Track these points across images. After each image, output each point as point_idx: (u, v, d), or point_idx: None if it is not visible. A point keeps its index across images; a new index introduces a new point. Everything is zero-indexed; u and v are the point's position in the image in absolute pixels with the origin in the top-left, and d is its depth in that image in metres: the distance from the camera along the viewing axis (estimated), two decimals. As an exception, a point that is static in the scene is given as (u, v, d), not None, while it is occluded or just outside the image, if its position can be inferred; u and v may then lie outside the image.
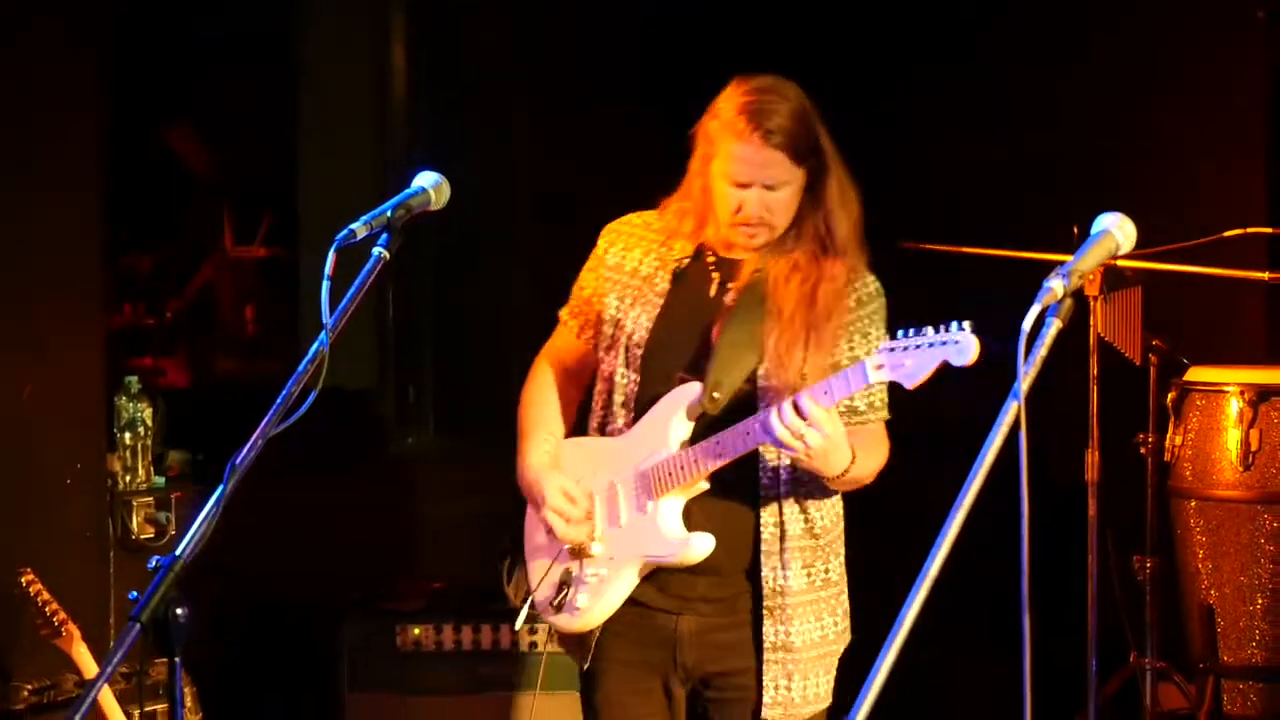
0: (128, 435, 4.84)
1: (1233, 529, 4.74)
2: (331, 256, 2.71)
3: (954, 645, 4.96)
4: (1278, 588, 4.70)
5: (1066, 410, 4.59)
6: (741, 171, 3.30)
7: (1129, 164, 5.36)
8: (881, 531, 4.57)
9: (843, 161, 3.39)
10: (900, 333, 3.12)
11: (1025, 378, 2.37)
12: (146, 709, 4.45)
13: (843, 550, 3.47)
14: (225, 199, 6.97)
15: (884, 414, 3.42)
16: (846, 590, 3.48)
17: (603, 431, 3.47)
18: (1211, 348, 5.00)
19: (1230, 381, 4.78)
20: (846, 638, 3.47)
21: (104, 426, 4.81)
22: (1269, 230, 4.89)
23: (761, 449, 3.31)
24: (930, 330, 3.07)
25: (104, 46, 4.78)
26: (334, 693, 5.02)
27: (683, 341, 3.39)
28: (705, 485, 3.34)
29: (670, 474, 3.33)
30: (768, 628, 3.36)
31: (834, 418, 3.19)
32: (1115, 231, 2.54)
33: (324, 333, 2.67)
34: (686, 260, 3.44)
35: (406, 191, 2.89)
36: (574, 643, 3.49)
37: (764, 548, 3.36)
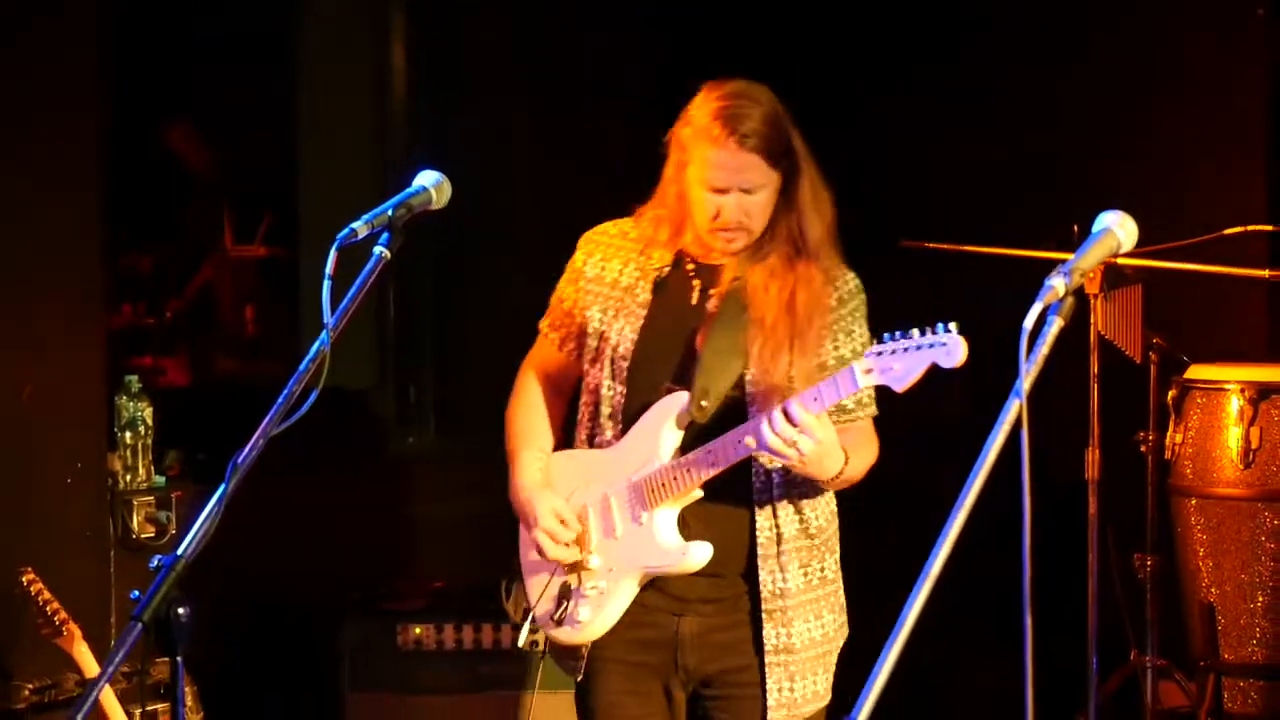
0: (128, 434, 4.84)
1: (1233, 527, 4.74)
2: (333, 256, 2.70)
3: (955, 643, 4.96)
4: (1278, 585, 4.70)
5: (1067, 408, 4.58)
6: (718, 177, 3.30)
7: (1129, 163, 5.36)
8: (883, 531, 4.58)
9: (815, 163, 3.39)
10: (887, 336, 3.12)
11: (1027, 376, 2.37)
12: (147, 708, 4.45)
13: (838, 547, 3.48)
14: (225, 199, 6.96)
15: (872, 410, 3.42)
16: (842, 587, 3.49)
17: (591, 443, 3.47)
18: (1212, 345, 5.00)
19: (1231, 379, 4.78)
20: (844, 633, 3.48)
21: (104, 426, 4.80)
22: (1269, 228, 4.89)
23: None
24: (916, 332, 3.07)
25: (104, 46, 4.78)
26: (335, 692, 5.02)
27: (667, 351, 3.40)
28: (699, 494, 3.34)
29: (664, 484, 3.33)
30: (768, 630, 3.37)
31: (825, 423, 3.20)
32: (1117, 229, 2.54)
33: (325, 332, 2.67)
34: (666, 269, 3.44)
35: (408, 191, 2.89)
36: (567, 655, 3.49)
37: (761, 551, 3.36)
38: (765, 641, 3.37)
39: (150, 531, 4.78)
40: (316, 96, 6.38)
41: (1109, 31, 5.57)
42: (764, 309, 3.33)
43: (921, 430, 5.05)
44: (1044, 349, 2.40)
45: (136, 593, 2.50)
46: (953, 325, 3.04)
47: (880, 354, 3.11)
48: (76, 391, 4.69)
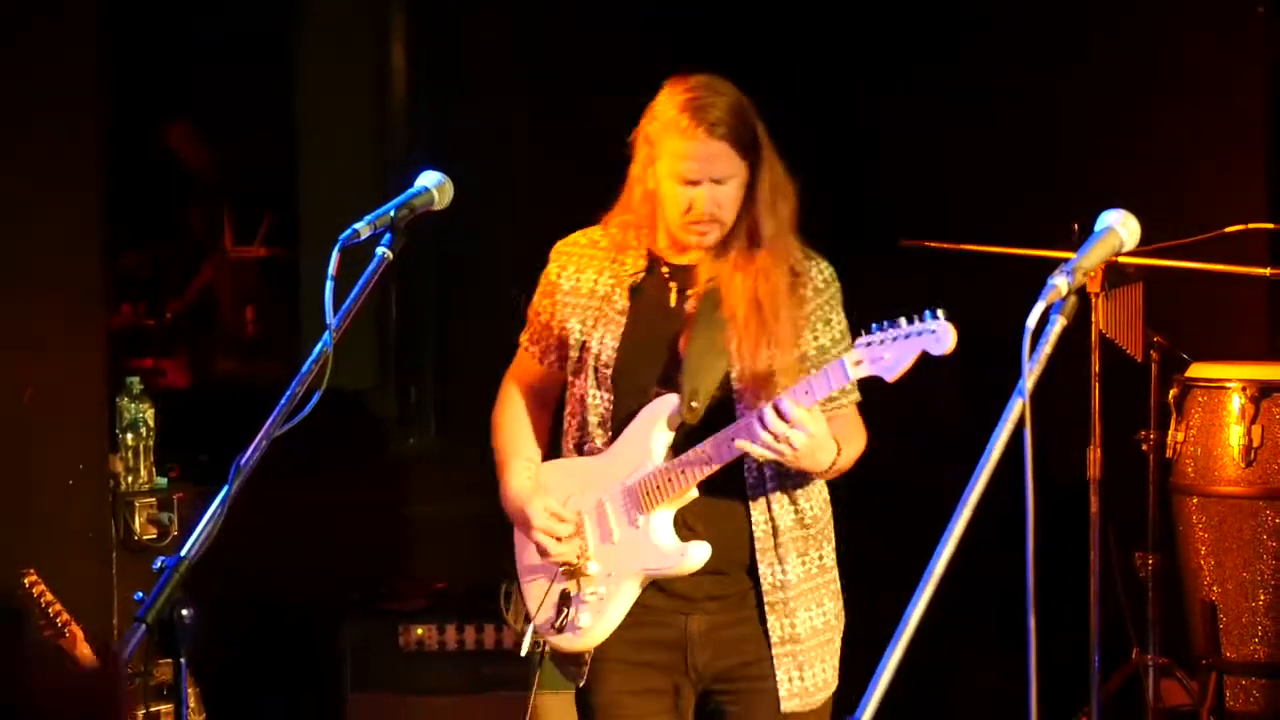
0: (129, 436, 4.84)
1: (1235, 525, 4.74)
2: (335, 256, 2.70)
3: (958, 642, 4.96)
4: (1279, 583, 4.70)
5: (1068, 407, 4.58)
6: (689, 169, 3.30)
7: (1129, 163, 5.36)
8: (885, 530, 4.58)
9: (779, 156, 3.38)
10: (875, 326, 3.12)
11: (1030, 375, 2.37)
12: (150, 709, 4.45)
13: (833, 536, 3.48)
14: (225, 199, 6.97)
15: (855, 395, 3.42)
16: (838, 576, 3.49)
17: (580, 452, 3.46)
18: (1213, 344, 5.00)
19: (1232, 378, 4.78)
20: (843, 619, 3.49)
21: (106, 427, 4.80)
22: (1270, 226, 4.89)
23: None
24: (905, 321, 3.07)
25: (104, 46, 4.78)
26: (336, 693, 5.02)
27: (651, 355, 3.39)
28: (695, 494, 3.35)
29: (659, 487, 3.33)
30: (772, 622, 3.37)
31: (817, 416, 3.20)
32: (1119, 228, 2.54)
33: (328, 333, 2.67)
34: (641, 274, 3.43)
35: (410, 191, 2.89)
36: (569, 662, 3.48)
37: (758, 544, 3.36)
38: (770, 633, 3.37)
39: (152, 533, 4.78)
40: (316, 96, 6.38)
41: (1109, 31, 5.57)
42: (734, 304, 3.33)
43: (922, 429, 5.06)
44: (1047, 348, 2.40)
45: (140, 594, 2.50)
46: (940, 312, 3.04)
47: (870, 344, 3.11)
48: (77, 392, 4.69)
